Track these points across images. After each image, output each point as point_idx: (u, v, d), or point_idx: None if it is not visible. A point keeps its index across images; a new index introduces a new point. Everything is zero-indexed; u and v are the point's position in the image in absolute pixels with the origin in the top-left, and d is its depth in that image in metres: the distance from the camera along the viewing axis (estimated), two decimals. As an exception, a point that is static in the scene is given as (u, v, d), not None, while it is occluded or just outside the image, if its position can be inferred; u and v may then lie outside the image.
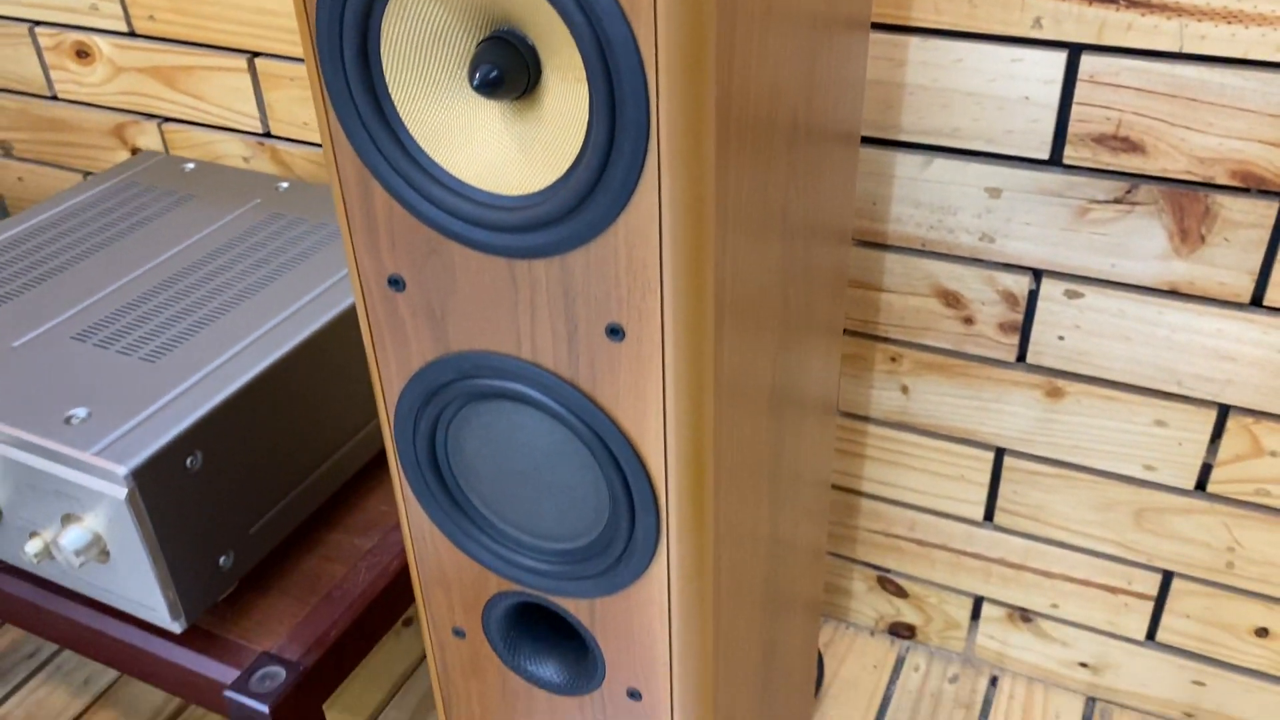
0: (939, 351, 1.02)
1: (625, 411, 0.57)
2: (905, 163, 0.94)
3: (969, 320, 0.99)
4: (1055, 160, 0.89)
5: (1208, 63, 0.81)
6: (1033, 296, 0.96)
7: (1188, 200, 0.86)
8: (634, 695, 0.68)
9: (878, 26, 0.89)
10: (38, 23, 1.28)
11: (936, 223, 0.96)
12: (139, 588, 0.78)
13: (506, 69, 0.49)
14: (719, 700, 0.70)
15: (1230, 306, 0.89)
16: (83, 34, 1.26)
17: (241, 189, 1.08)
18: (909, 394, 1.06)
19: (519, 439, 0.61)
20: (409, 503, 0.69)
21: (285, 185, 1.08)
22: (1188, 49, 0.81)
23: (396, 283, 0.59)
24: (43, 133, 1.38)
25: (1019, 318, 0.97)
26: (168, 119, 1.28)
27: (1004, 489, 1.07)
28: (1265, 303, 0.88)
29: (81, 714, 1.18)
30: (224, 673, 0.81)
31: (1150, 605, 1.07)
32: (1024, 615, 1.14)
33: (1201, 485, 0.98)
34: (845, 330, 1.05)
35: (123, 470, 0.73)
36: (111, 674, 1.22)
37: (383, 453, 0.98)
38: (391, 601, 0.88)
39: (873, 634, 1.24)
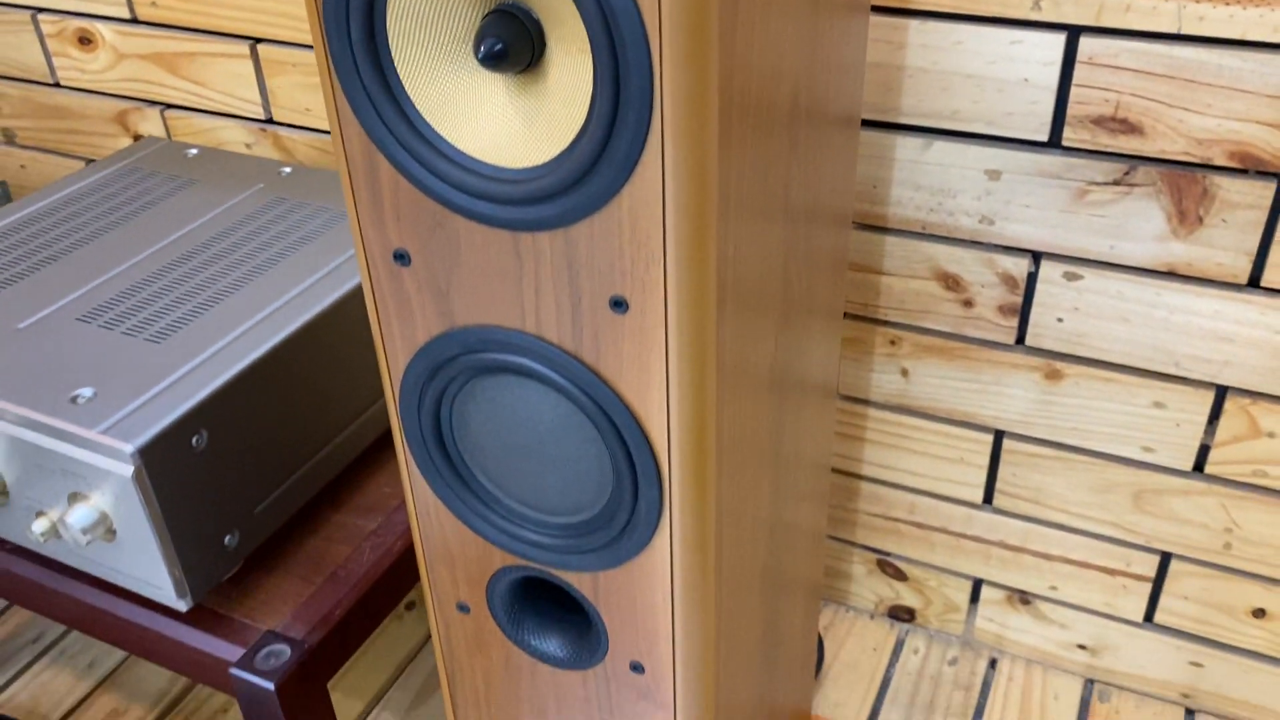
0: (938, 334, 1.03)
1: (628, 384, 0.57)
2: (905, 145, 0.95)
3: (968, 303, 1.00)
4: (1054, 142, 0.90)
5: (1206, 44, 0.81)
6: (1032, 279, 0.96)
7: (1186, 181, 0.87)
8: (637, 668, 0.69)
9: (877, 9, 0.90)
10: (40, 9, 1.29)
11: (936, 205, 0.96)
12: (145, 566, 0.79)
13: (511, 42, 0.49)
14: (721, 675, 0.70)
15: (1228, 288, 0.90)
16: (85, 21, 1.26)
17: (244, 174, 1.08)
18: (909, 377, 1.06)
19: (523, 413, 0.62)
20: (414, 479, 0.69)
21: (288, 170, 1.08)
22: (1186, 30, 0.81)
23: (402, 257, 0.60)
24: (45, 120, 1.38)
25: (1018, 300, 0.98)
26: (170, 106, 1.28)
27: (1003, 471, 1.07)
28: (1263, 284, 0.89)
29: (86, 698, 1.19)
30: (229, 651, 0.81)
31: (1148, 587, 1.07)
32: (1023, 597, 1.14)
33: (1199, 466, 0.99)
34: (845, 313, 1.06)
35: (129, 448, 0.73)
36: (115, 658, 1.23)
37: (385, 435, 0.99)
38: (395, 581, 0.88)
39: (872, 617, 1.24)
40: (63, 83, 1.33)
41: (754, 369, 0.64)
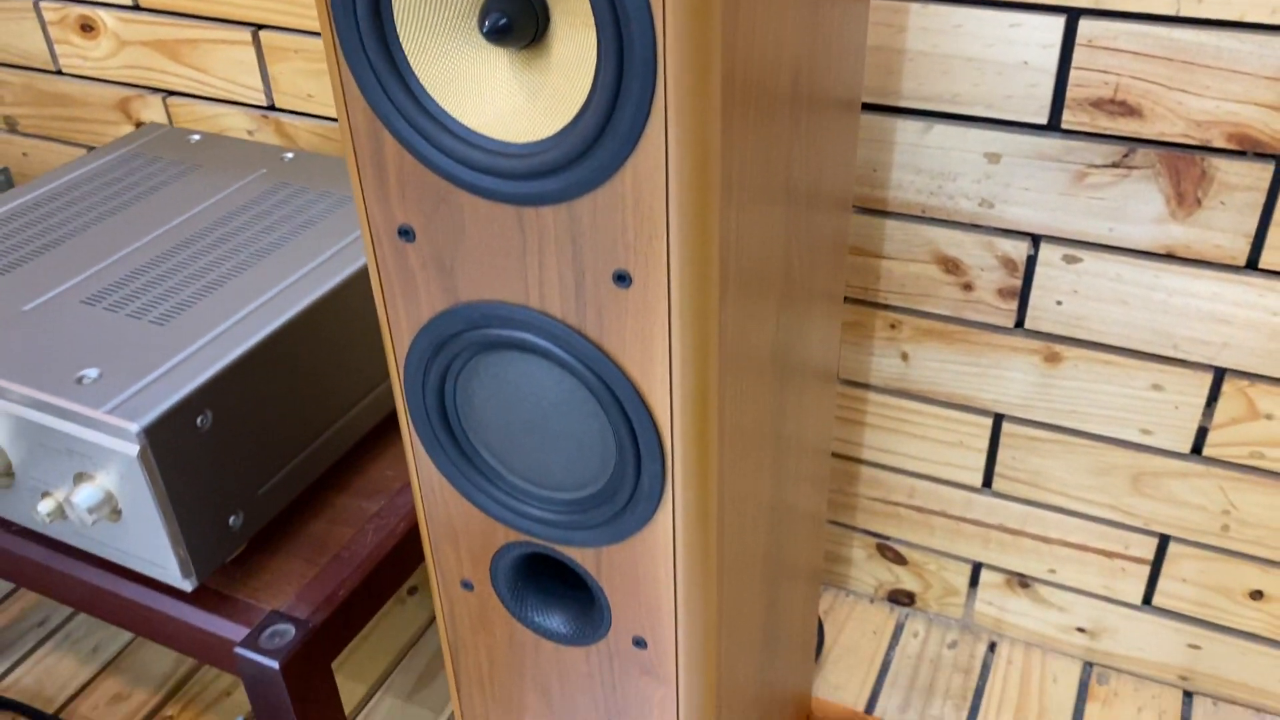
0: (938, 318, 1.03)
1: (632, 359, 0.58)
2: (905, 129, 0.95)
3: (968, 286, 1.00)
4: (1054, 125, 0.90)
5: (1204, 26, 0.82)
6: (1031, 262, 0.97)
7: (1184, 164, 0.87)
8: (639, 643, 0.69)
9: (878, -7, 0.90)
10: (42, -3, 1.29)
11: (936, 189, 0.97)
12: (150, 546, 0.79)
13: (516, 16, 0.50)
14: (722, 652, 0.71)
15: (1226, 270, 0.90)
16: (87, 8, 1.26)
17: (247, 159, 1.09)
18: (908, 361, 1.07)
19: (527, 389, 0.62)
20: (418, 456, 0.70)
21: (290, 156, 1.09)
22: (1184, 12, 0.82)
23: (406, 233, 0.60)
24: (47, 107, 1.39)
25: (1018, 283, 0.98)
26: (172, 93, 1.29)
27: (1002, 455, 1.08)
28: (1261, 265, 0.89)
29: (90, 681, 1.19)
30: (234, 631, 0.82)
31: (1147, 570, 1.08)
32: (1022, 581, 1.15)
33: (1197, 449, 0.99)
34: (845, 297, 1.06)
35: (134, 427, 0.74)
36: (120, 642, 1.24)
37: (389, 419, 0.99)
38: (398, 562, 0.89)
39: (872, 601, 1.25)
40: (65, 70, 1.34)
41: (755, 350, 0.65)
